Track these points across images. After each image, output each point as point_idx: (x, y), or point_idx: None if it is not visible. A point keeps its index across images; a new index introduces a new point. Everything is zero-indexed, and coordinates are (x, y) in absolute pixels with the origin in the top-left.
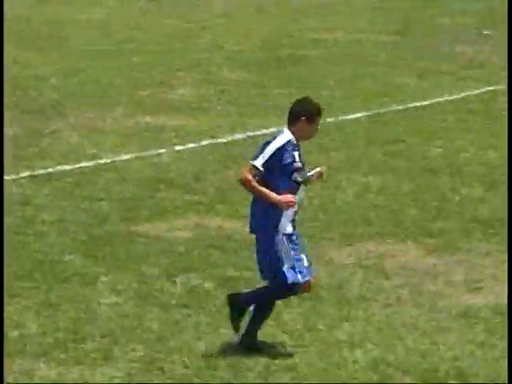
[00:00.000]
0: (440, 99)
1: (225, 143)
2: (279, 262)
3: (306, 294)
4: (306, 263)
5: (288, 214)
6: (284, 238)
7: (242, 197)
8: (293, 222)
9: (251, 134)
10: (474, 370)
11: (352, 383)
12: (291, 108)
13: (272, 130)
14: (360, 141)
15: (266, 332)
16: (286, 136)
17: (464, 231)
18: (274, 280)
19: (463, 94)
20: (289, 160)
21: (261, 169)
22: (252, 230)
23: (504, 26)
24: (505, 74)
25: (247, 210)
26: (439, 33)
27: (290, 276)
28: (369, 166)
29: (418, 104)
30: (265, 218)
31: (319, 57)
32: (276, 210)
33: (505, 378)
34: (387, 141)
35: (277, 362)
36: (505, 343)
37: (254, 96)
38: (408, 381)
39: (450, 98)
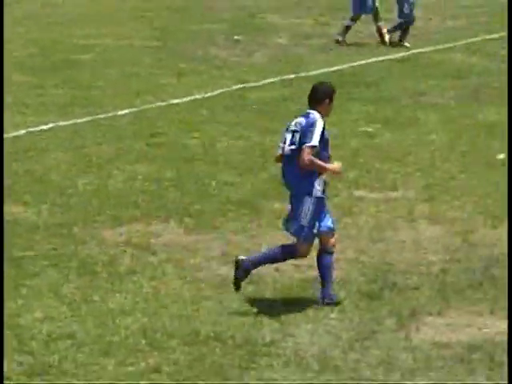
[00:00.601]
0: (197, 96)
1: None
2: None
3: (82, 270)
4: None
5: (320, 181)
6: (315, 201)
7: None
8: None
9: (31, 129)
10: (230, 333)
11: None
12: (314, 91)
13: (50, 125)
14: (128, 134)
15: (46, 304)
16: (319, 116)
17: (220, 211)
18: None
19: (217, 92)
20: (327, 135)
21: (317, 146)
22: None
23: (252, 31)
24: (255, 72)
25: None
26: (194, 38)
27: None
28: (136, 156)
29: (178, 101)
30: (301, 184)
31: (90, 60)
32: (311, 177)
33: (256, 340)
34: (152, 134)
35: (58, 330)
36: (255, 309)
37: (34, 96)
38: (173, 344)
39: (206, 95)
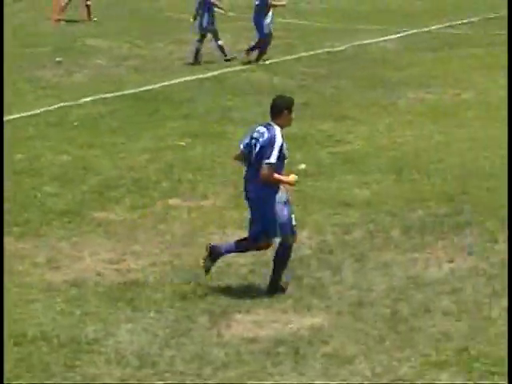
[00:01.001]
0: (23, 114)
1: None
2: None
3: None
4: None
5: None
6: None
7: None
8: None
9: None
10: (56, 333)
11: None
12: (272, 105)
13: None
14: None
15: None
16: (277, 129)
17: (44, 220)
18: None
19: (42, 110)
20: (285, 148)
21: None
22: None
23: (74, 54)
24: (76, 91)
25: None
26: (21, 61)
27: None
28: None
29: (6, 118)
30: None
31: None
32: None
33: (80, 339)
34: None
35: None
36: (79, 311)
37: None
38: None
39: (32, 113)
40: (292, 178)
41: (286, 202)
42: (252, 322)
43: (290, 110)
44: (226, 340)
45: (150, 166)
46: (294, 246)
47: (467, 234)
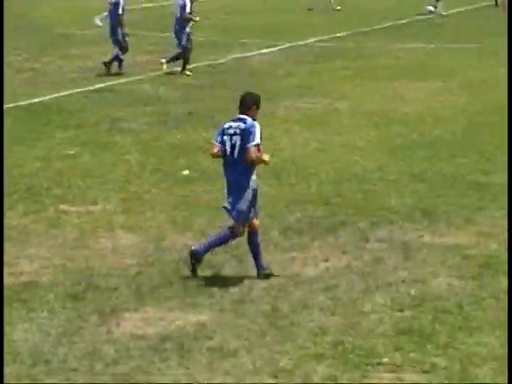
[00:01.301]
0: None
1: None
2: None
3: None
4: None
5: (255, 176)
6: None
7: None
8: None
9: None
10: None
11: None
12: (244, 100)
13: None
14: None
15: None
16: (250, 119)
17: None
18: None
19: None
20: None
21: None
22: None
23: None
24: None
25: None
26: None
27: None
28: None
29: None
30: (242, 179)
31: None
32: (250, 173)
33: None
34: None
35: None
36: None
37: None
38: None
39: None
40: (267, 156)
41: (255, 190)
42: (140, 320)
43: (258, 106)
44: (116, 337)
45: (42, 173)
46: (180, 247)
47: (341, 234)
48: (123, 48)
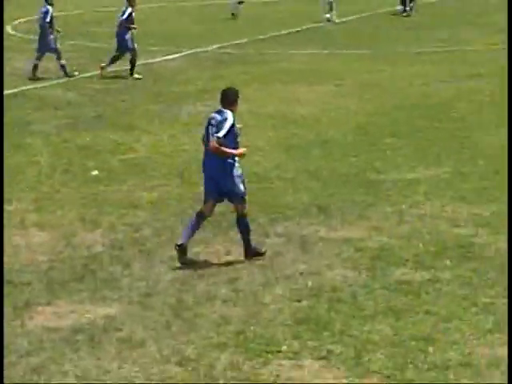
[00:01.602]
0: None
1: None
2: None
3: None
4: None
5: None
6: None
7: None
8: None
9: None
10: None
11: None
12: (226, 95)
13: None
14: None
15: None
16: (229, 112)
17: None
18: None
19: None
20: (236, 128)
21: (222, 138)
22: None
23: None
24: None
25: None
26: None
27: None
28: None
29: None
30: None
31: None
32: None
33: None
34: None
35: None
36: None
37: None
38: None
39: None
40: (242, 150)
41: (241, 176)
42: (52, 313)
43: (237, 101)
44: (29, 330)
45: None
46: (89, 243)
47: None
48: (58, 52)
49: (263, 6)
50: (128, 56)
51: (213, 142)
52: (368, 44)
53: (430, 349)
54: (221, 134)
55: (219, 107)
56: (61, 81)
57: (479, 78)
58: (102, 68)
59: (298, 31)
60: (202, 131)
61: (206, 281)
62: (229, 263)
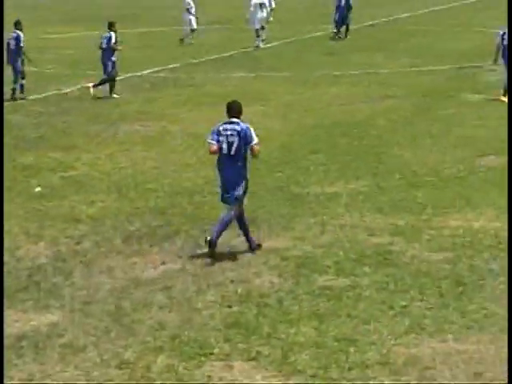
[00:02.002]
0: None
1: None
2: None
3: None
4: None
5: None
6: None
7: None
8: None
9: None
10: None
11: None
12: (233, 107)
13: None
14: None
15: None
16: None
17: None
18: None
19: None
20: None
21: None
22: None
23: None
24: None
25: None
26: None
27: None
28: None
29: None
30: (240, 172)
31: None
32: (245, 167)
33: None
34: None
35: None
36: None
37: None
38: None
39: None
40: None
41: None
42: None
43: (241, 112)
44: None
45: None
46: (33, 255)
47: (176, 240)
48: (24, 75)
49: (196, 33)
50: (104, 76)
51: (257, 148)
52: (291, 68)
53: (351, 349)
54: (256, 139)
55: (226, 119)
56: (6, 103)
57: (393, 98)
58: (94, 86)
59: (226, 56)
60: (214, 137)
61: (142, 289)
62: (164, 272)
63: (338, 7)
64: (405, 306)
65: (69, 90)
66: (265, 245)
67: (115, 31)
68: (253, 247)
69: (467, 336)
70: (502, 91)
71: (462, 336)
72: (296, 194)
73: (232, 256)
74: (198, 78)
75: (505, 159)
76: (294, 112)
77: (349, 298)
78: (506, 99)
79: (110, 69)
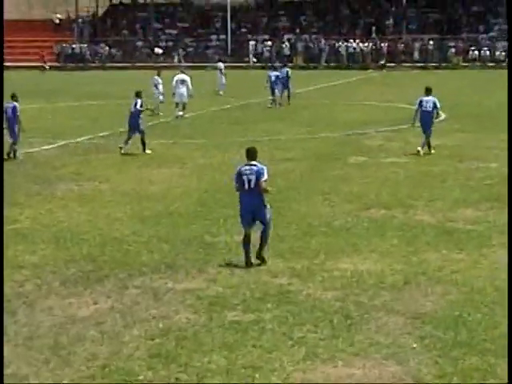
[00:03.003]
0: None
1: None
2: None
3: None
4: None
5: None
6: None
7: None
8: None
9: None
10: None
11: None
12: (252, 152)
13: None
14: None
15: None
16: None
17: None
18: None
19: None
20: None
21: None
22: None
23: None
24: None
25: None
26: None
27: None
28: None
29: None
30: (263, 202)
31: None
32: (265, 197)
33: None
34: None
35: None
36: None
37: None
38: None
39: None
40: (270, 188)
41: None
42: None
43: (257, 155)
44: None
45: None
46: None
47: (106, 283)
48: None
49: (124, 106)
50: (138, 136)
51: (263, 183)
52: (204, 135)
53: (257, 375)
54: (266, 177)
55: (246, 161)
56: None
57: (291, 160)
58: (121, 148)
59: (150, 125)
60: (234, 183)
61: (77, 325)
62: (96, 311)
63: (277, 79)
64: (302, 337)
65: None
66: (182, 286)
67: (141, 98)
68: (260, 257)
69: (355, 362)
70: (424, 147)
71: (350, 362)
72: (209, 242)
73: (154, 296)
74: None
75: (385, 212)
76: (208, 173)
77: (254, 330)
78: (423, 151)
79: (141, 127)
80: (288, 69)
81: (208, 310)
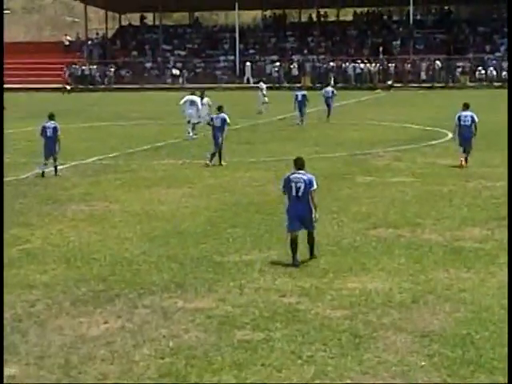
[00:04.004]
0: None
1: None
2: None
3: None
4: None
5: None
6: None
7: None
8: None
9: None
10: None
11: None
12: (300, 161)
13: None
14: None
15: None
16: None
17: None
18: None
19: None
20: None
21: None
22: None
23: None
24: None
25: None
26: None
27: None
28: None
29: None
30: (311, 210)
31: None
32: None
33: None
34: None
35: None
36: None
37: None
38: None
39: None
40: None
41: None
42: None
43: (305, 165)
44: None
45: None
46: None
47: (116, 303)
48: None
49: (132, 127)
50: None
51: (314, 193)
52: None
53: None
54: (315, 186)
55: (293, 170)
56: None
57: None
58: (207, 165)
59: (158, 146)
60: (282, 185)
61: (88, 345)
62: (106, 330)
63: (297, 100)
64: (311, 356)
65: (24, 176)
66: (191, 305)
67: (227, 113)
68: (311, 255)
69: (364, 380)
70: (464, 155)
71: (359, 381)
72: (218, 261)
73: (164, 315)
74: (134, 164)
75: (393, 230)
76: (216, 192)
77: (263, 349)
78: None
79: (220, 141)
80: (333, 89)
81: (217, 329)
